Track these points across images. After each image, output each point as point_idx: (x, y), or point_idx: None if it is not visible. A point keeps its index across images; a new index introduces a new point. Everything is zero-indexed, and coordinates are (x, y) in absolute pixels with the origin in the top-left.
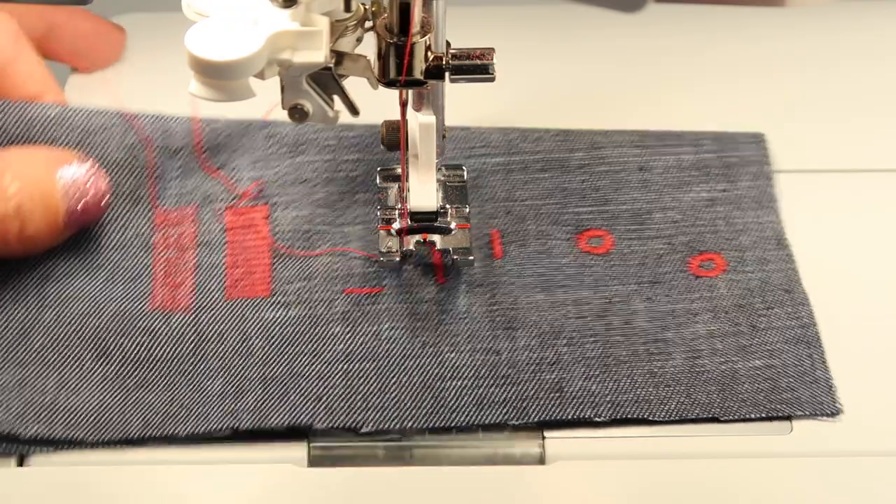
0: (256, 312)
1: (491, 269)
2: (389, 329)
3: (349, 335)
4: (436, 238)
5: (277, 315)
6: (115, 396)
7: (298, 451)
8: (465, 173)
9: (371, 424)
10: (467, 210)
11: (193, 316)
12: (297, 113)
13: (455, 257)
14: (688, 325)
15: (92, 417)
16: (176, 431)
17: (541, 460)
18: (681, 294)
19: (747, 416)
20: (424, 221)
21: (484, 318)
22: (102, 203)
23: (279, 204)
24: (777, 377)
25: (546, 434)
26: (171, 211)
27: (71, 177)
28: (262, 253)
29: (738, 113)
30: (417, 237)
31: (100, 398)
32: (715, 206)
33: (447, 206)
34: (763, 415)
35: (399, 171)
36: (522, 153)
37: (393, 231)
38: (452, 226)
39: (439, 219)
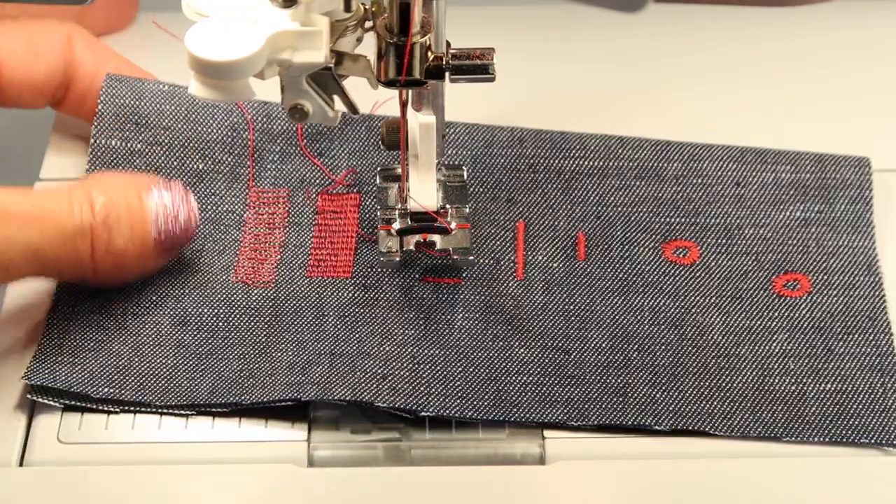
0: (335, 291)
1: (572, 270)
2: (463, 319)
3: (422, 321)
4: (436, 238)
5: (355, 295)
6: (187, 362)
7: (298, 451)
8: (465, 173)
9: (431, 410)
10: (467, 210)
11: (273, 290)
12: (297, 113)
13: (455, 257)
14: (763, 343)
15: (162, 382)
16: (241, 399)
17: (541, 460)
18: (760, 311)
19: (811, 439)
20: (424, 221)
21: (558, 316)
22: (192, 227)
23: (370, 194)
24: (846, 403)
25: (546, 434)
26: (266, 191)
27: (159, 198)
28: (348, 238)
29: (738, 112)
30: (417, 237)
31: (172, 363)
32: (808, 226)
33: (447, 206)
34: (827, 439)
35: (399, 171)
36: (619, 159)
37: (393, 231)
38: (453, 225)
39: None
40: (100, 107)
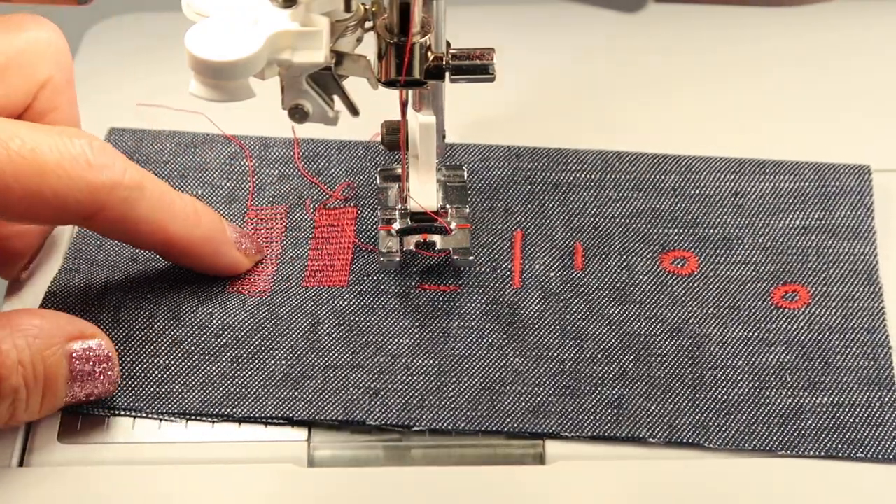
0: (330, 300)
1: (569, 279)
2: (458, 328)
3: (417, 330)
4: (436, 238)
5: (350, 303)
6: (180, 363)
7: (298, 451)
8: (465, 173)
9: (424, 423)
10: (467, 210)
11: (268, 297)
12: (297, 113)
13: (455, 257)
14: (760, 355)
15: (154, 385)
16: (233, 412)
17: (541, 460)
18: (758, 323)
19: (806, 453)
20: (424, 221)
21: (554, 325)
22: (109, 389)
23: (367, 206)
24: (843, 417)
25: None
26: (264, 209)
27: (82, 356)
28: (344, 248)
29: (737, 111)
30: (417, 237)
31: (164, 363)
32: (808, 234)
33: (447, 206)
34: (822, 453)
35: (399, 171)
36: (616, 172)
37: (393, 231)
38: (453, 226)
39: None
40: None
